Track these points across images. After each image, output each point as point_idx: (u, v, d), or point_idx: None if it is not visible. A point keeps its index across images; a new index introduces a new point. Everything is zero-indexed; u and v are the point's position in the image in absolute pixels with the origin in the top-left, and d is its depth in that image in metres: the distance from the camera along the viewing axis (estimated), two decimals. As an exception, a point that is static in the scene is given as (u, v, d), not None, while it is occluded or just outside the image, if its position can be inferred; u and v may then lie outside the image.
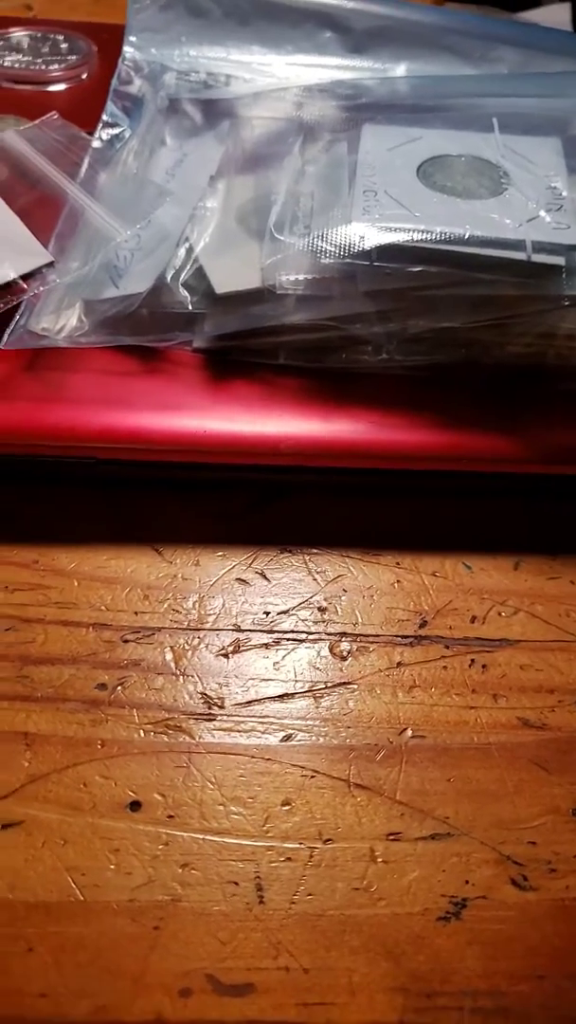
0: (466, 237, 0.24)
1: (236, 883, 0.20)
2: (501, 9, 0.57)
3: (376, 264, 0.24)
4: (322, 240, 0.24)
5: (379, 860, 0.21)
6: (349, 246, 0.24)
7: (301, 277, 0.25)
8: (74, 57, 0.37)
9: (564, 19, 0.55)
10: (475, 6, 0.57)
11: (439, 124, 0.28)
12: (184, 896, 0.20)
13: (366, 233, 0.24)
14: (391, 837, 0.21)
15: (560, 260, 0.24)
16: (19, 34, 0.38)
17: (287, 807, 0.21)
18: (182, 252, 0.26)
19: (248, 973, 0.19)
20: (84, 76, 0.37)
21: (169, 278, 0.26)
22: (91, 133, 0.31)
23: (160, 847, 0.20)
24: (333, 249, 0.24)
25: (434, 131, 0.28)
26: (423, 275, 0.24)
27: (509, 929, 0.20)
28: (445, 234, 0.24)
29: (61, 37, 0.39)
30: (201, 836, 0.21)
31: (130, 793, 0.21)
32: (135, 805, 0.21)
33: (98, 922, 0.19)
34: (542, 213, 0.25)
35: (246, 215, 0.27)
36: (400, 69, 0.34)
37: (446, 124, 0.28)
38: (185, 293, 0.26)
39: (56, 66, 0.37)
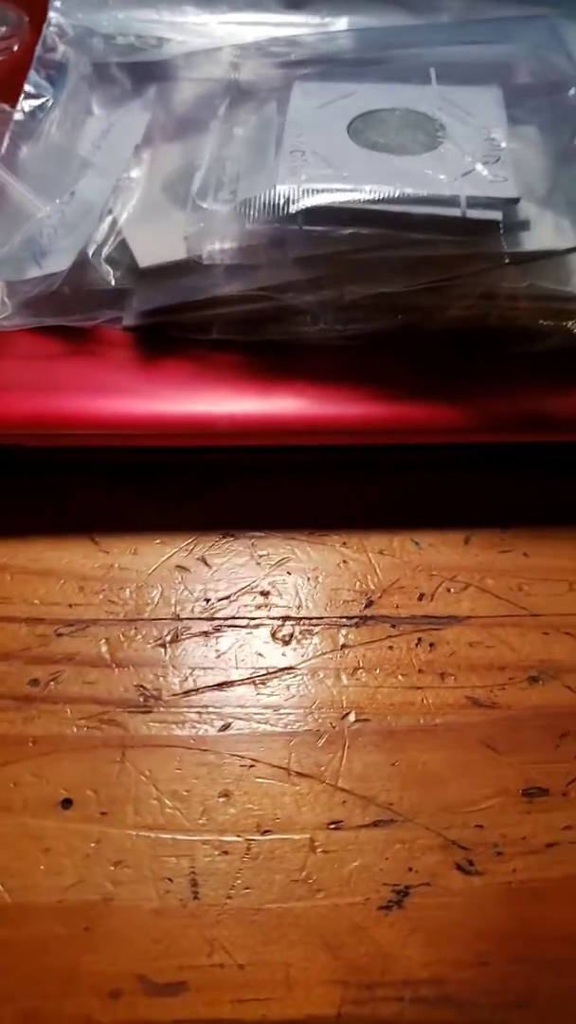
0: (397, 195, 0.22)
1: (170, 879, 0.19)
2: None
3: (305, 228, 0.23)
4: (247, 206, 0.23)
5: (319, 850, 0.20)
6: (275, 209, 0.23)
7: (228, 246, 0.24)
8: (3, 28, 0.36)
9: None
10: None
11: (375, 78, 0.27)
12: (116, 895, 0.19)
13: (292, 195, 0.23)
14: (332, 826, 0.20)
15: (497, 215, 0.22)
16: (-52, 6, 0.37)
17: (224, 799, 0.21)
18: (105, 225, 0.25)
19: (181, 971, 0.18)
20: (15, 48, 0.35)
21: (91, 253, 0.25)
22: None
23: (92, 845, 0.20)
24: (259, 214, 0.23)
25: (368, 86, 0.26)
26: (354, 238, 0.23)
27: (453, 915, 0.19)
28: (375, 192, 0.23)
29: (-8, 7, 0.37)
30: (135, 832, 0.20)
31: (62, 791, 0.20)
32: (67, 803, 0.20)
33: (26, 925, 0.19)
34: (478, 166, 0.23)
35: (172, 184, 0.26)
36: (341, 23, 0.32)
37: (382, 78, 0.27)
38: (108, 268, 0.24)
39: (-14, 38, 0.35)
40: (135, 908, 0.19)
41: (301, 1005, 0.18)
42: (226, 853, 0.20)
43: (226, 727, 0.22)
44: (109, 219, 0.25)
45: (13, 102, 0.30)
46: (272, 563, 0.25)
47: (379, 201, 0.23)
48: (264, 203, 0.23)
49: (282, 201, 0.23)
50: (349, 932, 0.19)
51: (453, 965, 0.19)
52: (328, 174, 0.23)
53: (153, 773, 0.21)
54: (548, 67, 0.27)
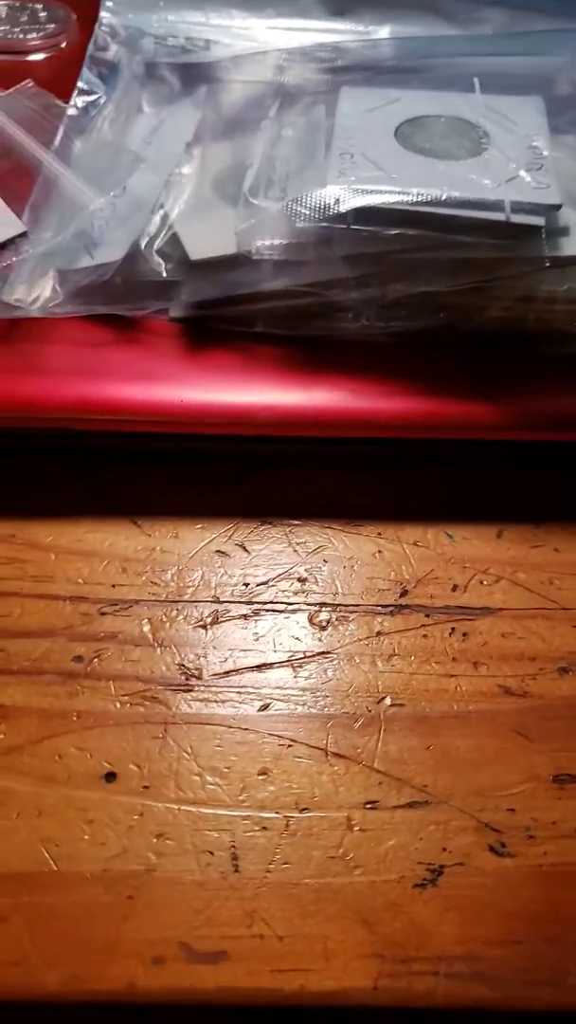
0: (443, 198, 0.23)
1: (211, 852, 0.20)
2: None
3: (352, 227, 0.24)
4: (297, 204, 0.24)
5: (356, 829, 0.20)
6: (325, 209, 0.23)
7: (277, 242, 0.24)
8: (52, 26, 0.37)
9: (558, -18, 0.53)
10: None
11: (419, 85, 0.28)
12: (158, 866, 0.20)
13: (342, 196, 0.23)
14: (368, 806, 0.21)
15: (539, 220, 0.23)
16: (-3, 4, 0.38)
17: (263, 776, 0.21)
18: (157, 219, 0.26)
19: (222, 941, 0.19)
20: (63, 45, 0.36)
21: (143, 246, 0.25)
22: (68, 102, 0.30)
23: (135, 818, 0.20)
24: (309, 212, 0.24)
25: (413, 92, 0.27)
26: (400, 238, 0.24)
27: (486, 895, 0.20)
28: (422, 195, 0.23)
29: (40, 6, 0.38)
30: (176, 806, 0.20)
31: (105, 764, 0.21)
32: (110, 776, 0.21)
33: (72, 892, 0.19)
34: (522, 173, 0.24)
35: (222, 181, 0.27)
36: (383, 31, 0.33)
37: (426, 85, 0.28)
38: (160, 260, 0.25)
39: (34, 35, 0.36)
40: (177, 879, 0.20)
41: (339, 977, 0.19)
42: (265, 829, 0.20)
43: (265, 707, 0.22)
44: (161, 213, 0.26)
45: (62, 96, 0.31)
46: (309, 550, 0.25)
47: (426, 203, 0.23)
48: (314, 202, 0.24)
49: (332, 201, 0.23)
50: (385, 908, 0.19)
51: (486, 943, 0.19)
52: (377, 176, 0.24)
53: (194, 749, 0.21)
54: (588, 79, 0.28)
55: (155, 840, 0.20)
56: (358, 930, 0.19)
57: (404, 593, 0.24)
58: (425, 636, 0.24)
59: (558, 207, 0.23)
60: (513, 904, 0.20)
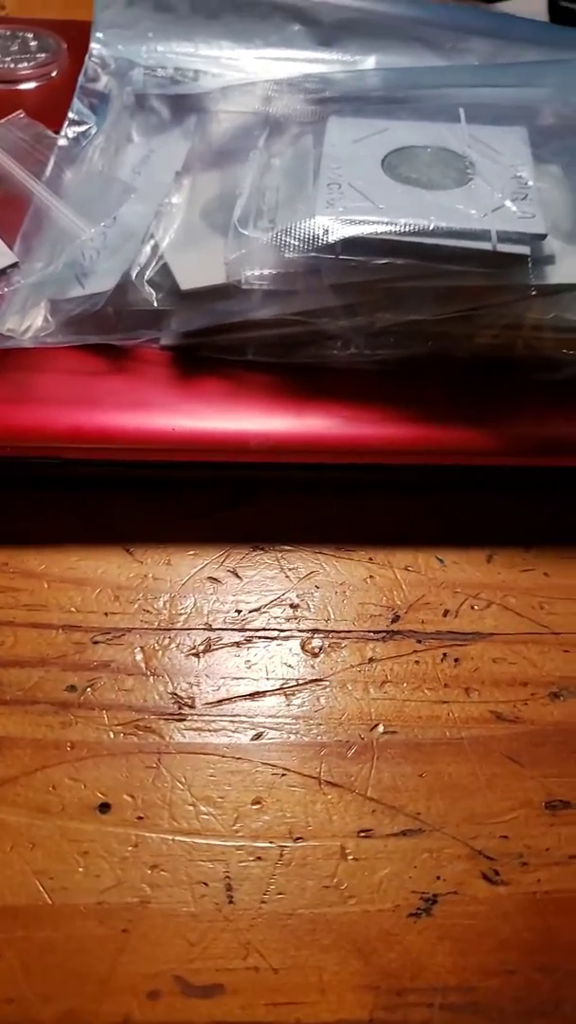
0: (431, 228, 0.24)
1: (206, 883, 0.20)
2: (477, -1, 0.57)
3: (341, 257, 0.24)
4: (286, 234, 0.24)
5: (350, 858, 0.20)
6: (313, 239, 0.24)
7: (266, 272, 0.25)
8: (43, 55, 0.37)
9: (540, 8, 0.54)
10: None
11: (406, 116, 0.28)
12: (153, 897, 0.20)
13: (330, 226, 0.24)
14: (362, 834, 0.21)
15: (525, 249, 0.24)
16: (-12, 33, 0.38)
17: (257, 806, 0.21)
18: (147, 249, 0.26)
19: (217, 974, 0.19)
20: (54, 74, 0.37)
21: (134, 276, 0.25)
22: (60, 131, 0.31)
23: (129, 849, 0.20)
24: (297, 243, 0.24)
25: (400, 123, 0.28)
26: (389, 267, 0.24)
27: (480, 924, 0.20)
28: (410, 225, 0.24)
29: (30, 35, 0.38)
30: (171, 837, 0.20)
31: (99, 795, 0.21)
32: (104, 807, 0.21)
33: (66, 925, 0.19)
34: (507, 203, 0.25)
35: (211, 211, 0.27)
36: (370, 61, 0.34)
37: (413, 115, 0.28)
38: (150, 290, 0.25)
39: (25, 64, 0.37)
40: (172, 911, 0.19)
41: (334, 1010, 0.19)
42: (259, 859, 0.20)
43: (258, 736, 0.22)
44: (151, 243, 0.26)
45: (52, 126, 0.31)
46: (301, 576, 0.25)
47: (414, 233, 0.24)
48: (303, 232, 0.24)
49: (321, 231, 0.24)
50: (379, 938, 0.19)
51: (480, 973, 0.19)
52: (364, 206, 0.24)
53: (188, 779, 0.21)
54: (571, 109, 0.29)
55: (149, 871, 0.20)
56: (353, 961, 0.19)
57: (396, 619, 0.24)
58: (417, 662, 0.24)
59: (543, 236, 0.24)
60: (507, 932, 0.20)
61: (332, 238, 0.24)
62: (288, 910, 0.20)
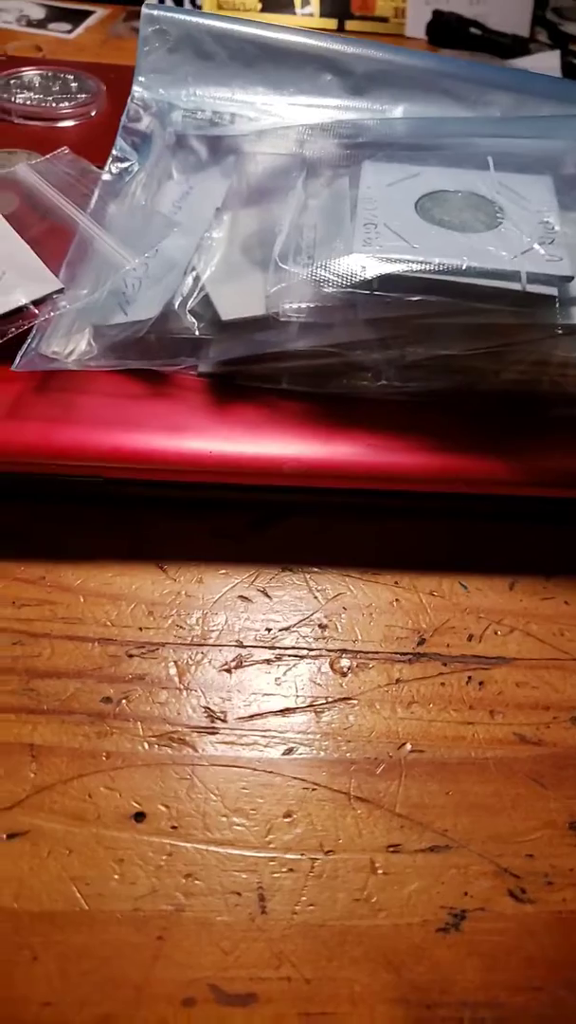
0: (463, 268, 0.25)
1: (239, 893, 0.20)
2: (493, 55, 0.60)
3: (376, 293, 0.25)
4: (325, 270, 0.25)
5: (379, 872, 0.21)
6: (351, 276, 0.25)
7: (304, 305, 0.26)
8: (84, 95, 0.39)
9: (554, 65, 0.57)
10: (468, 53, 0.60)
11: (436, 162, 0.30)
12: (187, 906, 0.20)
13: (367, 263, 0.25)
14: (391, 849, 0.21)
15: (553, 290, 0.25)
16: (31, 73, 0.40)
17: (289, 819, 0.22)
18: (189, 280, 0.27)
19: (250, 983, 0.19)
20: (93, 113, 0.38)
21: (176, 305, 0.27)
22: (100, 167, 0.32)
23: (164, 857, 0.21)
24: (335, 278, 0.25)
25: (432, 168, 0.29)
26: (422, 304, 0.25)
27: (507, 941, 0.20)
28: (443, 265, 0.25)
29: (71, 76, 0.40)
30: (204, 847, 0.21)
31: (134, 804, 0.21)
32: (139, 816, 0.21)
33: (102, 931, 0.19)
34: (536, 246, 0.26)
35: (251, 246, 0.28)
36: (398, 111, 0.35)
37: (443, 162, 0.30)
38: (192, 319, 0.27)
39: (66, 103, 0.38)
40: (206, 919, 0.20)
41: (366, 1021, 0.19)
42: (291, 870, 0.21)
43: (289, 751, 0.23)
44: (193, 275, 0.27)
45: (92, 162, 0.33)
46: (329, 597, 0.26)
47: (447, 272, 0.25)
48: (340, 268, 0.25)
49: (358, 268, 0.25)
50: (409, 952, 0.20)
51: (508, 989, 0.20)
52: (400, 246, 0.26)
53: (221, 791, 0.22)
54: (592, 161, 0.30)
55: (184, 880, 0.20)
56: (383, 974, 0.19)
57: (422, 641, 0.25)
58: (443, 684, 0.24)
59: (570, 278, 0.25)
60: (533, 950, 0.20)
61: (369, 275, 0.25)
62: (319, 921, 0.20)
